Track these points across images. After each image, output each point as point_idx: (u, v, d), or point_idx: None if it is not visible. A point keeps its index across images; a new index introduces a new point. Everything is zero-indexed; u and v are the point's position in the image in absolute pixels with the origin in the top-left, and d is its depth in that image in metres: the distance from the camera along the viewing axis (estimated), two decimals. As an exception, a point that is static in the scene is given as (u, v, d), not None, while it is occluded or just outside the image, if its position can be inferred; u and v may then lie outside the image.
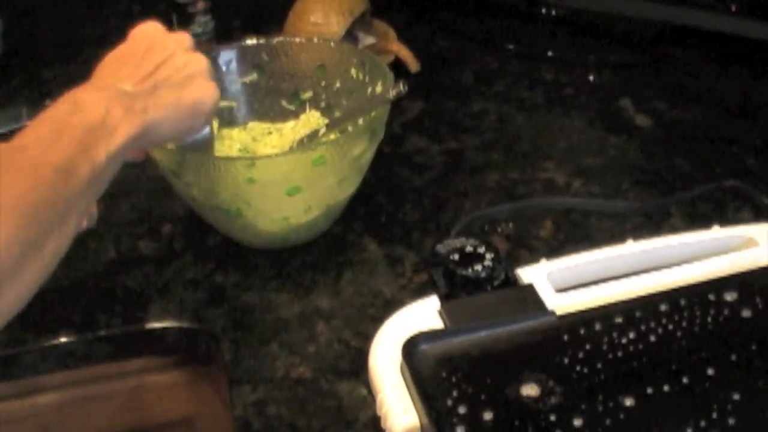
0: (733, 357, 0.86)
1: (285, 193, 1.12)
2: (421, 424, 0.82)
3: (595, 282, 0.96)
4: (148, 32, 1.03)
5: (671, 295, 0.92)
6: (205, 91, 1.02)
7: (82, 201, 0.85)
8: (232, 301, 1.15)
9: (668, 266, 0.97)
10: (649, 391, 0.82)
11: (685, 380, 0.84)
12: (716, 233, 1.03)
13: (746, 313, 0.91)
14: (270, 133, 1.31)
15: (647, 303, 0.91)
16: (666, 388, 0.83)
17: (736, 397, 0.82)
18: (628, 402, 0.81)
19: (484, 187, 1.30)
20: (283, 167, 1.10)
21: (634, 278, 0.95)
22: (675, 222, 1.22)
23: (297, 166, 1.11)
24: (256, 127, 1.32)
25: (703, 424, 0.80)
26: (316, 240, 1.22)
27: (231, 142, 1.28)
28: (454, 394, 0.82)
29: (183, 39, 1.04)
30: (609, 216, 1.23)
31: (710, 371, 0.85)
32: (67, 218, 0.83)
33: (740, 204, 1.24)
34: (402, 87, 1.13)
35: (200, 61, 1.03)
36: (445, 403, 0.81)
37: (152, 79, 0.98)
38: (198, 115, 1.02)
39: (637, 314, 0.89)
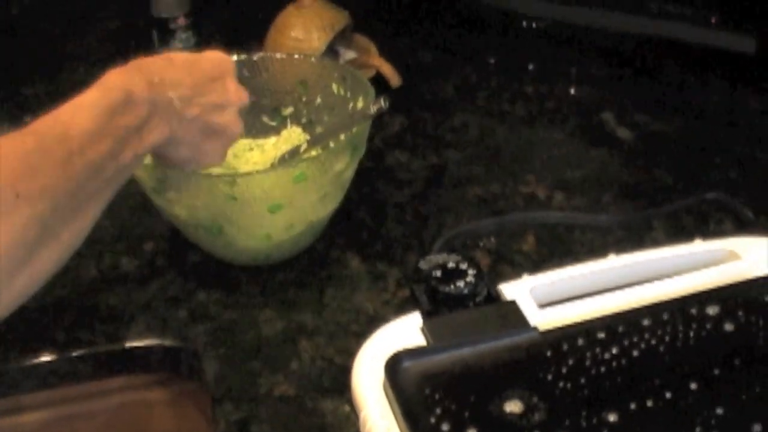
0: (717, 371, 0.86)
1: (267, 210, 1.12)
2: (406, 441, 0.82)
3: (578, 297, 0.96)
4: (223, 66, 1.07)
5: (654, 310, 0.91)
6: (232, 124, 1.07)
7: (102, 196, 0.89)
8: (214, 319, 1.14)
9: (650, 280, 0.97)
10: (633, 406, 0.82)
11: (668, 395, 0.83)
12: (698, 247, 1.02)
13: (729, 327, 0.90)
14: (251, 149, 1.31)
15: (630, 318, 0.90)
16: (649, 403, 0.83)
17: (720, 411, 0.82)
18: (612, 418, 0.81)
19: (465, 202, 1.30)
20: (265, 184, 1.10)
21: (616, 293, 0.95)
22: (657, 235, 1.22)
23: (278, 183, 1.10)
24: (237, 143, 1.31)
25: (686, 439, 0.80)
26: (298, 256, 1.22)
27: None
28: (438, 411, 0.81)
29: (243, 95, 1.08)
30: (591, 229, 1.23)
31: (693, 386, 0.84)
32: (86, 211, 0.86)
33: (722, 216, 1.25)
34: (383, 103, 1.13)
35: (241, 98, 1.08)
36: (429, 421, 0.81)
37: (199, 107, 1.01)
38: (217, 143, 1.06)
39: (620, 329, 0.89)
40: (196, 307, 1.16)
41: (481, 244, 1.22)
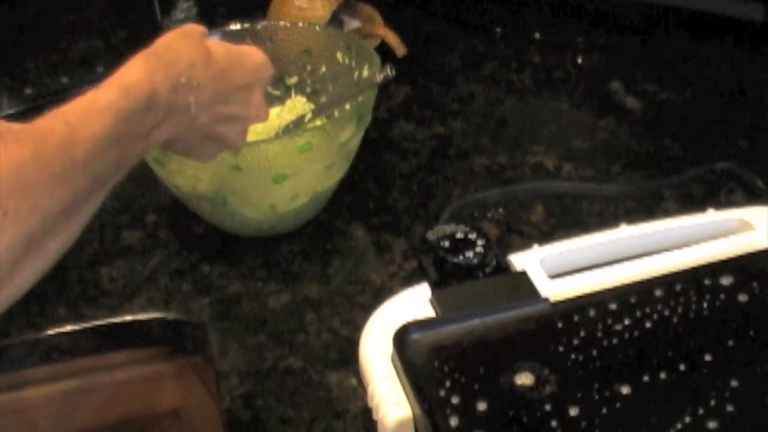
0: (731, 342, 0.85)
1: (271, 180, 1.10)
2: (414, 415, 0.80)
3: (589, 267, 0.94)
4: (258, 74, 1.00)
5: (666, 280, 0.90)
6: (238, 138, 1.01)
7: (97, 198, 0.81)
8: (218, 291, 1.13)
9: (662, 251, 0.96)
10: (646, 378, 0.81)
11: (681, 367, 0.82)
12: (710, 217, 1.01)
13: (743, 298, 0.89)
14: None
15: (642, 288, 0.89)
16: (663, 375, 0.81)
17: (734, 383, 0.81)
18: (625, 390, 0.80)
19: (472, 172, 1.29)
20: (269, 154, 1.09)
21: (628, 263, 0.94)
22: (667, 205, 1.20)
23: (283, 153, 1.09)
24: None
25: (701, 411, 0.78)
26: (303, 227, 1.20)
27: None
28: (447, 384, 0.80)
29: (263, 113, 1.02)
30: (600, 200, 1.22)
31: (707, 357, 0.83)
32: (77, 217, 0.78)
33: (733, 186, 1.23)
34: (389, 71, 1.11)
35: (260, 116, 1.02)
36: (438, 394, 0.79)
37: (213, 115, 0.96)
38: (215, 148, 1.01)
39: (632, 300, 0.88)
40: (200, 279, 1.15)
41: (489, 215, 1.20)
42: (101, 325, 1.11)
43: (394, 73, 1.11)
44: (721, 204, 1.15)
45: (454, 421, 0.77)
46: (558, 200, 1.22)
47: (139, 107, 0.83)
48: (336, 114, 1.18)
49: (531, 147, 1.33)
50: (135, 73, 0.85)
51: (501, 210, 1.21)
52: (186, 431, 1.24)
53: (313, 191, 1.15)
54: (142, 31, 1.33)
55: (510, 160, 1.31)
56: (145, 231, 1.24)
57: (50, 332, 1.10)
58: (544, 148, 1.33)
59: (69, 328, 1.10)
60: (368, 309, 0.92)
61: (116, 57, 1.20)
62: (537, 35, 1.62)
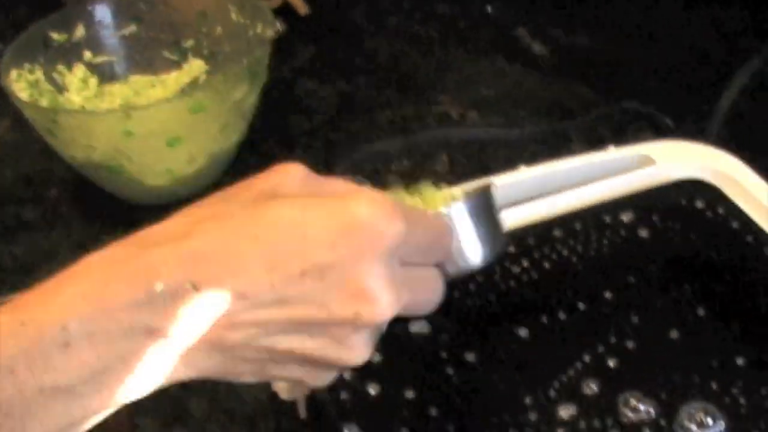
0: (631, 279, 0.84)
1: (165, 144, 1.08)
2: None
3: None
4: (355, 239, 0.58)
5: (565, 220, 0.88)
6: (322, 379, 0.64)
7: None
8: (120, 262, 1.10)
9: (563, 191, 0.94)
10: (544, 320, 0.79)
11: (581, 306, 0.81)
12: (611, 154, 0.99)
13: (644, 233, 0.88)
14: (153, 86, 1.26)
15: (540, 230, 0.87)
16: (562, 315, 0.80)
17: (635, 320, 0.80)
18: (522, 333, 0.78)
19: (376, 127, 1.27)
20: (161, 117, 1.06)
21: (526, 205, 0.92)
22: (574, 148, 1.18)
23: (174, 115, 1.07)
24: (138, 80, 1.27)
25: (600, 349, 0.77)
26: (205, 192, 1.17)
27: (112, 97, 1.23)
28: (341, 337, 0.78)
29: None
30: (506, 146, 1.20)
31: (608, 295, 0.82)
32: None
33: (641, 126, 1.21)
34: (279, 26, 1.09)
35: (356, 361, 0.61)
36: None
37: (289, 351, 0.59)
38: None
39: (530, 242, 0.86)
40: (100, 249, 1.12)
41: (393, 167, 1.18)
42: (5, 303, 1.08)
43: (284, 27, 1.09)
44: (629, 143, 1.13)
45: (347, 374, 0.75)
46: (463, 149, 1.20)
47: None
48: (227, 73, 1.15)
49: (436, 97, 1.31)
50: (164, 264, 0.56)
51: (405, 162, 1.19)
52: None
53: (211, 153, 1.12)
54: (44, 7, 1.28)
55: (415, 111, 1.29)
56: (46, 205, 1.20)
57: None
58: (450, 98, 1.31)
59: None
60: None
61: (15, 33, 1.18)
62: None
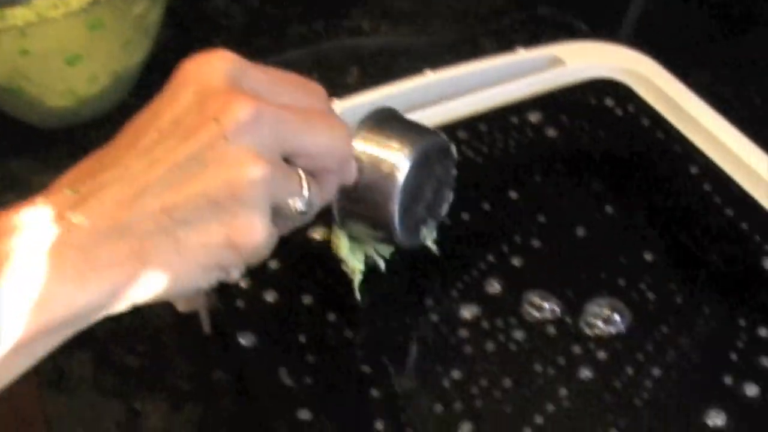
0: (537, 178, 0.82)
1: (65, 63, 1.04)
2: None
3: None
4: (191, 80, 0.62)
5: (470, 122, 0.86)
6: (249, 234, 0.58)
7: None
8: (26, 186, 1.07)
9: (469, 93, 0.92)
10: (447, 221, 0.77)
11: (485, 206, 0.79)
12: (520, 55, 0.97)
13: (551, 133, 0.86)
14: (56, 7, 1.22)
15: (444, 133, 0.85)
16: (464, 216, 0.78)
17: (541, 218, 0.78)
18: (425, 234, 0.76)
19: (286, 42, 1.23)
20: (58, 35, 1.03)
21: (432, 108, 0.89)
22: (487, 55, 1.16)
23: (72, 32, 1.03)
24: (39, 2, 1.22)
25: (505, 248, 0.75)
26: (111, 113, 1.14)
27: (14, 20, 1.19)
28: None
29: (245, 108, 0.57)
30: (418, 56, 1.17)
31: (512, 194, 0.80)
32: None
33: (555, 32, 1.19)
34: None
35: (253, 179, 0.57)
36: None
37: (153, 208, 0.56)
38: (216, 269, 0.59)
39: (433, 144, 0.84)
40: (8, 176, 1.09)
41: (303, 81, 1.15)
42: None
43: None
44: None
45: (244, 282, 0.73)
46: (373, 60, 1.18)
47: None
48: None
49: (347, 11, 1.28)
50: None
51: (315, 75, 1.16)
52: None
53: (113, 72, 1.09)
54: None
55: (326, 26, 1.26)
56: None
57: None
58: (361, 11, 1.28)
59: None
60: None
61: None
62: None
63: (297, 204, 0.58)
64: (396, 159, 0.65)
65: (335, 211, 0.67)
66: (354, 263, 0.71)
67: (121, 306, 0.56)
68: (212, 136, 0.56)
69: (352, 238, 0.71)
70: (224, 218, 0.56)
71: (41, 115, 1.12)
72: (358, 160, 0.65)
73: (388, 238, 0.67)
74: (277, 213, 0.59)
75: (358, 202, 0.66)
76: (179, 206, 0.55)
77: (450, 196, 0.72)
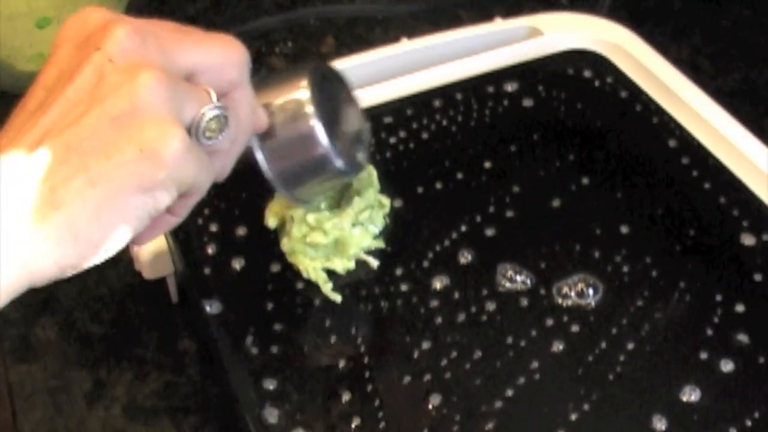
0: (512, 148, 0.80)
1: (34, 26, 1.03)
2: (169, 246, 0.74)
3: (369, 84, 0.88)
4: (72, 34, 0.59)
5: (445, 91, 0.85)
6: (158, 143, 0.53)
7: None
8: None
9: (446, 62, 0.90)
10: (420, 190, 0.76)
11: (459, 176, 0.77)
12: (498, 25, 0.95)
13: (527, 103, 0.84)
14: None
15: (418, 100, 0.83)
16: (438, 185, 0.76)
17: (516, 189, 0.76)
18: (397, 204, 0.75)
19: (261, 10, 1.21)
20: (28, -4, 1.01)
21: (407, 77, 0.88)
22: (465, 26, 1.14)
23: (42, -6, 1.01)
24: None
25: (478, 219, 0.74)
26: (82, 78, 1.12)
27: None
28: (205, 212, 0.74)
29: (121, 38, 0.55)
30: (394, 25, 1.15)
31: (487, 164, 0.78)
32: None
33: (535, 5, 1.17)
34: None
35: (148, 83, 0.53)
36: (195, 222, 0.73)
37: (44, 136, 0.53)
38: (139, 192, 0.54)
39: (408, 112, 0.82)
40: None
41: (277, 49, 1.13)
42: None
43: None
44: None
45: (211, 249, 0.72)
46: (349, 29, 1.16)
47: None
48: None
49: (324, -21, 1.26)
50: None
51: (290, 44, 1.14)
52: None
53: (84, 35, 1.07)
54: None
55: (301, -5, 1.24)
56: None
57: None
58: (338, -21, 1.26)
59: None
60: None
61: None
62: None
63: (211, 113, 0.56)
64: (298, 94, 0.63)
65: (276, 184, 0.65)
66: (317, 275, 0.70)
67: (50, 263, 0.53)
68: (97, 64, 0.53)
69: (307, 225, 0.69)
70: (132, 132, 0.52)
71: (12, 81, 1.10)
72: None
73: (333, 170, 0.64)
74: (200, 134, 0.56)
75: (286, 154, 0.64)
76: (83, 137, 0.52)
77: (364, 116, 0.69)
